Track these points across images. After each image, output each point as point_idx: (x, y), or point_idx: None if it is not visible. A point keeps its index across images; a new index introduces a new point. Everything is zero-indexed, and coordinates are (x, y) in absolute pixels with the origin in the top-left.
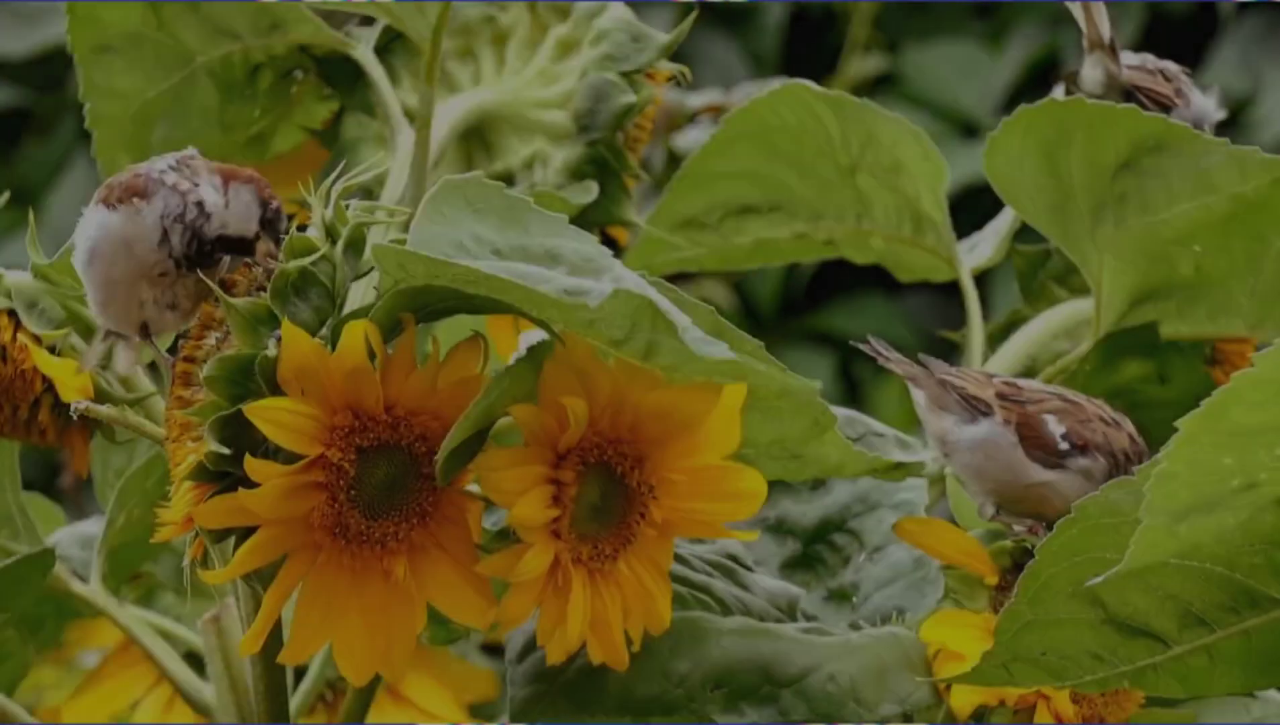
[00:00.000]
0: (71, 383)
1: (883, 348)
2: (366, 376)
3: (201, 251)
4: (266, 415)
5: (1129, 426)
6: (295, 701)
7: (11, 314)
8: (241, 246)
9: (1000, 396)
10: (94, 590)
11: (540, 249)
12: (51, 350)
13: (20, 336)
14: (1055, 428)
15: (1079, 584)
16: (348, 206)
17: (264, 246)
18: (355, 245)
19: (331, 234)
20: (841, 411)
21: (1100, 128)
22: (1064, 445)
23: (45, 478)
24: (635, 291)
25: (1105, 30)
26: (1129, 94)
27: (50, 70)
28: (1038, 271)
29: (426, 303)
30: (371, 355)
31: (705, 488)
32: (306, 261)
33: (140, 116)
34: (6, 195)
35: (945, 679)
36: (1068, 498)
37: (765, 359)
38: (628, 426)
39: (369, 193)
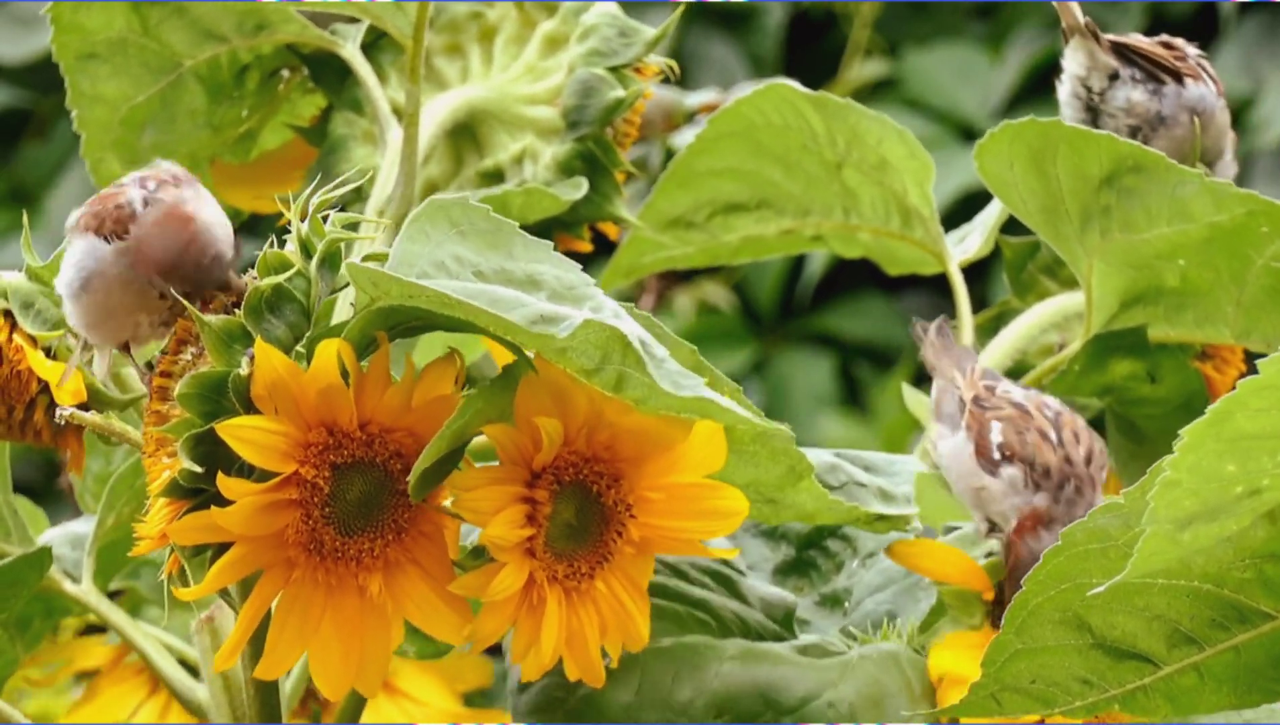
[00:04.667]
0: (66, 385)
1: (933, 331)
2: (340, 394)
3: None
4: (239, 433)
5: (1079, 448)
6: (287, 689)
7: (7, 315)
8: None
9: (975, 400)
10: (85, 590)
11: (522, 273)
12: (47, 352)
13: (16, 338)
14: (995, 437)
15: (1066, 611)
16: (325, 219)
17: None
18: (332, 260)
19: (308, 249)
20: (824, 457)
21: (1080, 144)
22: (997, 454)
23: (44, 478)
24: (605, 323)
25: (1079, 14)
26: (1114, 74)
27: (50, 72)
28: (1026, 263)
29: (402, 321)
30: (346, 373)
31: (684, 505)
32: (280, 278)
33: (128, 121)
34: None
35: (938, 713)
36: (998, 502)
37: (744, 403)
38: (604, 445)
39: (359, 191)
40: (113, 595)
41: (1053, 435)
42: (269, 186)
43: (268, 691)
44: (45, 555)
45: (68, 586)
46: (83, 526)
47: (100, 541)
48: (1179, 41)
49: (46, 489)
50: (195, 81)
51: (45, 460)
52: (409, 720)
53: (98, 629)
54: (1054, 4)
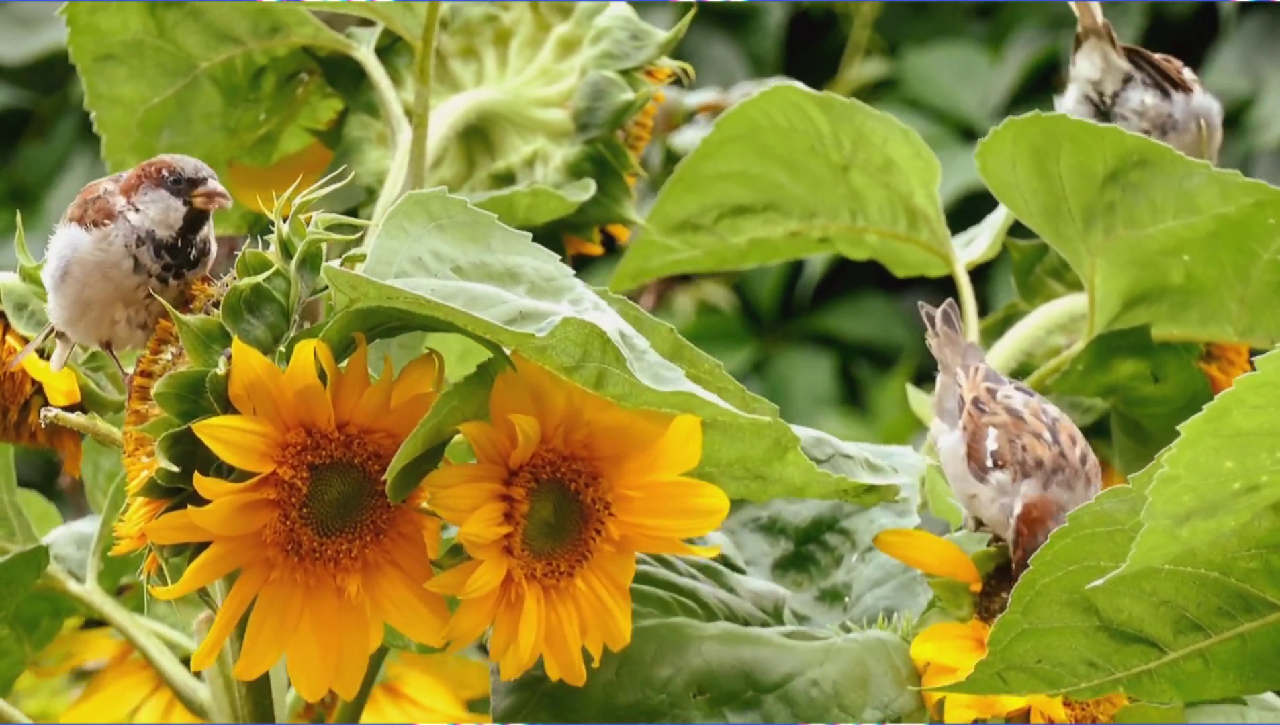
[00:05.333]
0: (59, 386)
1: (939, 316)
2: (318, 395)
3: (176, 254)
4: (216, 433)
5: (1074, 448)
6: (290, 696)
7: (0, 316)
8: (194, 224)
9: (975, 402)
10: (90, 590)
11: (501, 267)
12: (40, 353)
13: (9, 339)
14: (990, 444)
15: (1073, 592)
16: (307, 221)
17: (200, 196)
18: (312, 261)
19: (288, 249)
20: (808, 432)
21: (1085, 140)
22: (989, 462)
23: (44, 478)
24: (585, 320)
25: (1099, 16)
26: (1128, 77)
27: (50, 73)
28: (1034, 266)
29: (380, 322)
30: (324, 373)
31: (663, 504)
32: (259, 278)
33: (145, 123)
34: None
35: (938, 688)
36: (987, 507)
37: (722, 381)
38: (582, 443)
39: (371, 192)
40: (120, 590)
41: (1047, 436)
42: (287, 189)
43: (259, 691)
44: (42, 554)
45: (72, 586)
46: (88, 526)
47: (106, 541)
48: (1175, 60)
49: (46, 489)
50: (211, 84)
51: (45, 460)
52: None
53: (100, 623)
54: (1073, 4)
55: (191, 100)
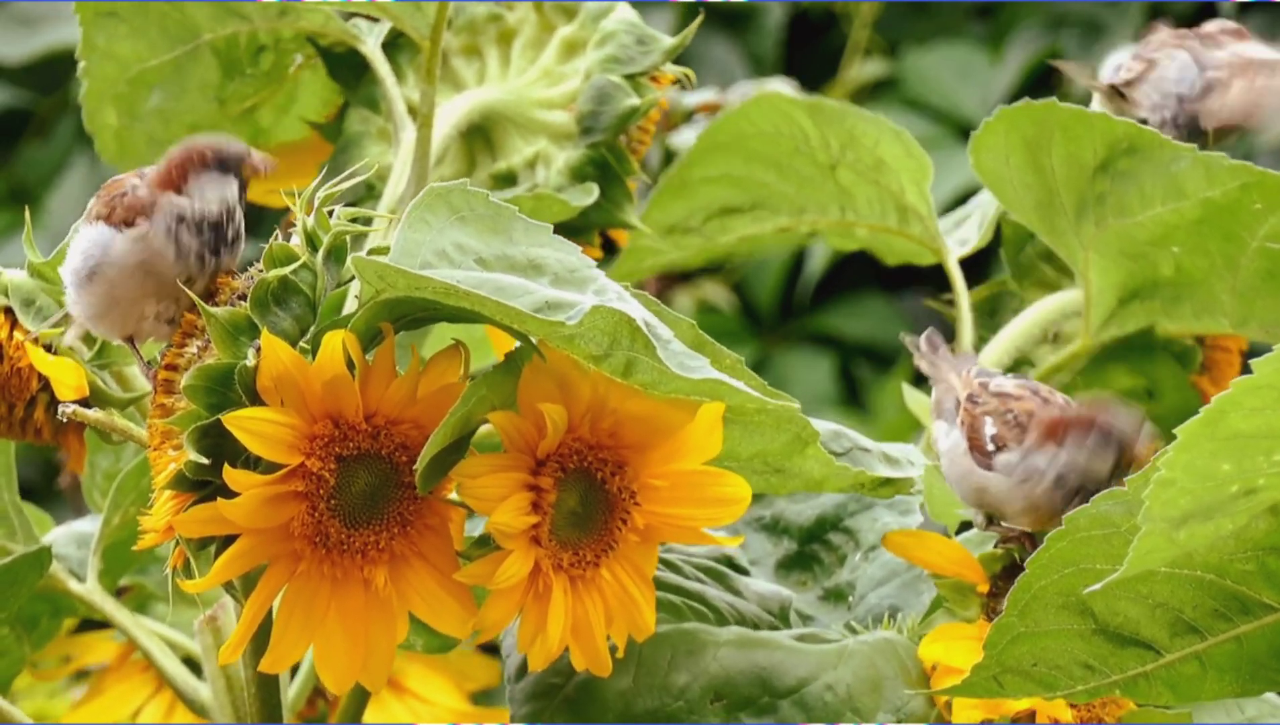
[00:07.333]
0: (67, 382)
1: (923, 342)
2: (346, 386)
3: (220, 238)
4: (245, 425)
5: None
6: (292, 691)
7: (8, 312)
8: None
9: (969, 398)
10: (91, 589)
11: (524, 258)
12: (48, 349)
13: (17, 334)
14: (988, 430)
15: (1069, 595)
16: (331, 213)
17: (248, 168)
18: (337, 253)
19: (313, 241)
20: (827, 425)
21: (1076, 129)
22: (991, 447)
23: (44, 478)
24: (614, 308)
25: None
26: None
27: (50, 73)
28: (1025, 245)
29: (407, 312)
30: (352, 364)
31: (687, 493)
32: (286, 270)
33: (137, 81)
34: None
35: (938, 692)
36: (991, 492)
37: (745, 375)
38: (608, 432)
39: (371, 189)
40: (119, 591)
41: (1030, 395)
42: (283, 181)
43: (269, 690)
44: (45, 554)
45: (73, 585)
46: (88, 526)
47: (106, 540)
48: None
49: (46, 489)
50: (211, 55)
51: (45, 460)
52: (416, 719)
53: (96, 624)
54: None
55: (190, 68)
